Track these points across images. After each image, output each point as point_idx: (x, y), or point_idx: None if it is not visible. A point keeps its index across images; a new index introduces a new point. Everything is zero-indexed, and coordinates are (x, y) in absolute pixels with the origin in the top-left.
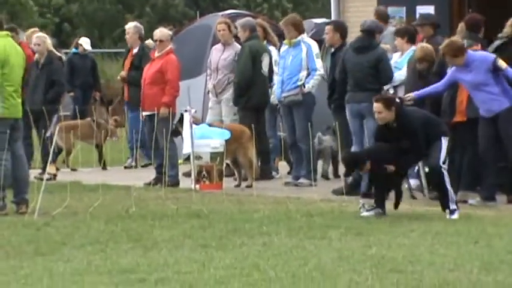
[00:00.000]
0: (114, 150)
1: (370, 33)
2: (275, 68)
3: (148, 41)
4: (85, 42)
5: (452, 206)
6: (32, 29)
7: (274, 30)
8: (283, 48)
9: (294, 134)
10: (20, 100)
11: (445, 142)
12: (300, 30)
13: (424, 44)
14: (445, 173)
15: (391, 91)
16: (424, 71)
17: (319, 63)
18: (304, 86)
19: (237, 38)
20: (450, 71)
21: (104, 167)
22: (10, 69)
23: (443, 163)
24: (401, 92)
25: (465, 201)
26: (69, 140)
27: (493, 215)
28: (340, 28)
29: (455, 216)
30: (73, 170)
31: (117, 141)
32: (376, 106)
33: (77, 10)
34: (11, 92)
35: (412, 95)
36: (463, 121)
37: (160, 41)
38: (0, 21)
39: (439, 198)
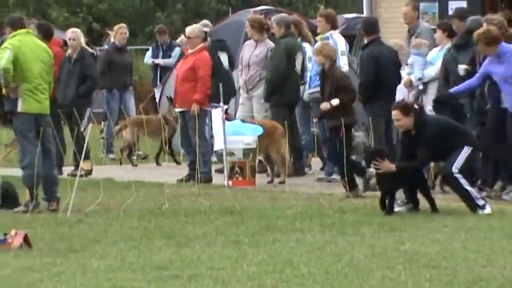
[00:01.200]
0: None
1: (470, 33)
2: (308, 65)
3: (181, 38)
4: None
5: (480, 202)
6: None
7: (308, 27)
8: (317, 44)
9: (325, 130)
10: (44, 96)
11: (466, 150)
12: (332, 24)
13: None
14: (459, 176)
15: (421, 87)
16: (325, 68)
17: (343, 60)
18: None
19: (270, 34)
20: (483, 64)
21: (158, 163)
22: (25, 66)
23: (456, 169)
24: (433, 89)
25: (502, 191)
26: (135, 135)
27: None
28: (371, 23)
29: (487, 210)
30: (135, 165)
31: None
32: (394, 113)
33: (106, 8)
34: (31, 89)
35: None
36: None
37: (189, 37)
38: (20, 18)
39: (463, 201)
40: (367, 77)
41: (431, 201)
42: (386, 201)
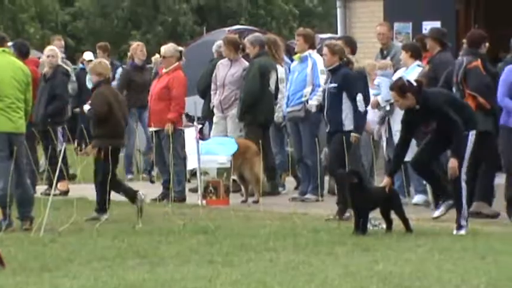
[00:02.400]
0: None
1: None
2: (280, 86)
3: (155, 57)
4: (88, 56)
5: (463, 222)
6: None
7: (283, 47)
8: (294, 63)
9: (300, 150)
10: (18, 115)
11: (471, 138)
12: (310, 44)
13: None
14: (464, 186)
15: (388, 108)
16: None
17: (322, 79)
18: (308, 102)
19: (245, 54)
20: (504, 73)
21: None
22: None
23: (464, 174)
24: (399, 109)
25: (478, 213)
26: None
27: (500, 231)
28: (348, 42)
29: (462, 232)
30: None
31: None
32: (392, 95)
33: (83, 27)
34: (3, 107)
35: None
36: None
37: (164, 57)
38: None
39: (455, 208)
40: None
41: (405, 221)
42: (360, 221)
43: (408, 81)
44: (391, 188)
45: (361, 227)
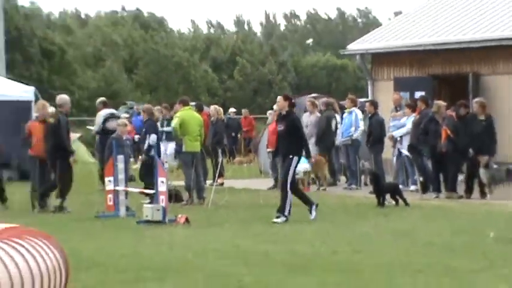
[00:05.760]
0: None
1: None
2: (339, 126)
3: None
4: None
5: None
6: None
7: (338, 105)
8: (345, 114)
9: (348, 161)
10: (197, 142)
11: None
12: (354, 103)
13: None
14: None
15: (398, 139)
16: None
17: (361, 123)
18: (353, 135)
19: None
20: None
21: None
22: (186, 125)
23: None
24: (405, 141)
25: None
26: None
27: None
28: (374, 103)
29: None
30: None
31: None
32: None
33: None
34: (190, 138)
35: None
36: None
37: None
38: (187, 100)
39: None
40: (374, 131)
41: (404, 200)
42: (380, 200)
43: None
44: (396, 183)
45: (381, 203)
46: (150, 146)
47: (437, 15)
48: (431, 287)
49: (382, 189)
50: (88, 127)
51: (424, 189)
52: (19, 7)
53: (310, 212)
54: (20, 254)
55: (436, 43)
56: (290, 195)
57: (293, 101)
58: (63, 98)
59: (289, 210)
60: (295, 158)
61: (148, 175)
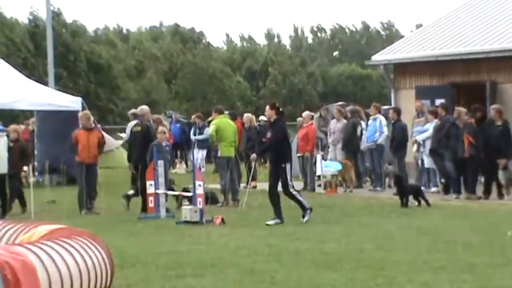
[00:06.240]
0: None
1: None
2: (364, 132)
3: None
4: None
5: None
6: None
7: (364, 113)
8: (370, 121)
9: (373, 164)
10: (232, 148)
11: None
12: (379, 110)
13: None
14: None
15: (421, 143)
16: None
17: (385, 129)
18: (377, 140)
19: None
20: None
21: None
22: (222, 132)
23: None
24: (428, 144)
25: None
26: None
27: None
28: (397, 110)
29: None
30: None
31: None
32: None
33: None
34: (226, 144)
35: None
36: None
37: (304, 118)
38: (221, 109)
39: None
40: (397, 136)
41: (426, 201)
42: (404, 200)
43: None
44: (419, 184)
45: (404, 203)
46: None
47: (455, 28)
48: (453, 283)
49: (405, 191)
50: (119, 134)
51: (446, 190)
52: (67, 24)
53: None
54: (69, 253)
55: (455, 53)
56: (296, 195)
57: (280, 109)
58: (143, 108)
59: (305, 203)
60: (287, 165)
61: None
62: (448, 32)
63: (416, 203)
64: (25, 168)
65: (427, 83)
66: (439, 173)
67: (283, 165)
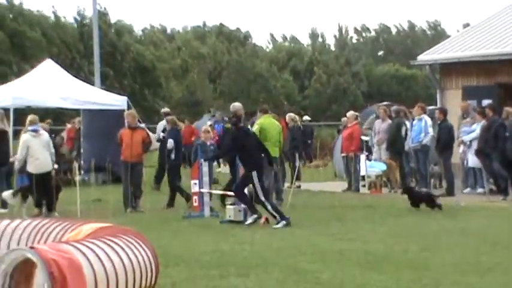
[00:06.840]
0: None
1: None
2: (409, 132)
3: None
4: None
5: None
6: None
7: (409, 113)
8: (415, 121)
9: (418, 164)
10: (276, 148)
11: None
12: (424, 111)
13: None
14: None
15: (468, 143)
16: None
17: (431, 129)
18: (423, 141)
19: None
20: None
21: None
22: (267, 132)
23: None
24: (474, 145)
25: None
26: None
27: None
28: (444, 111)
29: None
30: None
31: None
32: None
33: None
34: (269, 144)
35: None
36: None
37: (348, 118)
38: (266, 108)
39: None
40: (443, 137)
41: (433, 207)
42: (415, 204)
43: None
44: (429, 192)
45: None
46: (169, 150)
47: (503, 28)
48: (499, 286)
49: (417, 201)
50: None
51: (501, 190)
52: (112, 24)
53: (252, 220)
54: (114, 251)
55: (502, 53)
56: (269, 204)
57: (241, 124)
58: (236, 105)
59: (281, 213)
60: (253, 173)
61: (174, 177)
62: (495, 32)
63: (431, 208)
64: (55, 166)
65: (473, 83)
66: (486, 173)
67: (250, 173)
